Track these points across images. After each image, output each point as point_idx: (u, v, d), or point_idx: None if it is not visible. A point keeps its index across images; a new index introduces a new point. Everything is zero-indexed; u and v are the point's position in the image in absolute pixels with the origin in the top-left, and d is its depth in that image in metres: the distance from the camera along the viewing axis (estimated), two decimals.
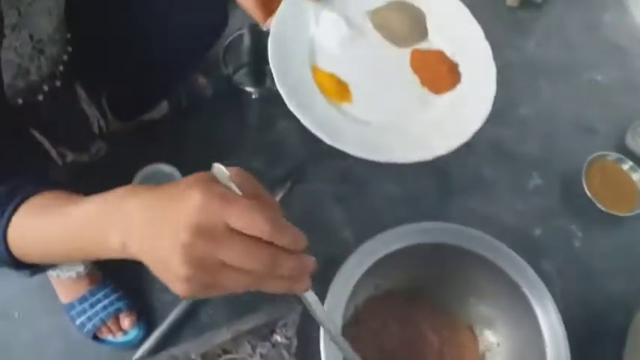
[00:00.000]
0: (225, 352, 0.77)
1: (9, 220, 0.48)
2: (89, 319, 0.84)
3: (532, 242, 1.02)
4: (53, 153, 0.76)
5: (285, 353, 0.77)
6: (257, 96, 0.95)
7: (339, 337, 0.47)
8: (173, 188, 0.39)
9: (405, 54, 0.64)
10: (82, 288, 0.84)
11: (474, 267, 0.64)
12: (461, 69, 0.64)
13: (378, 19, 0.65)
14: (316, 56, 0.62)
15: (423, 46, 0.65)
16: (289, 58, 0.59)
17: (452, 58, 0.65)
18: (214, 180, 0.39)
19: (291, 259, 0.38)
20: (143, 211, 0.39)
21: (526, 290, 0.60)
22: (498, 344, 0.67)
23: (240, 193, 0.38)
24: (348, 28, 0.64)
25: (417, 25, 0.66)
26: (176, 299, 0.89)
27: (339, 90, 0.60)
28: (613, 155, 1.07)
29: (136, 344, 0.84)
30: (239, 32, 1.02)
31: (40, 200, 0.49)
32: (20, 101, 0.66)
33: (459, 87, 0.63)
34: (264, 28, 0.62)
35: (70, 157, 0.80)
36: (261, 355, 0.77)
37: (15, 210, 0.48)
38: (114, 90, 0.83)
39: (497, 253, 0.62)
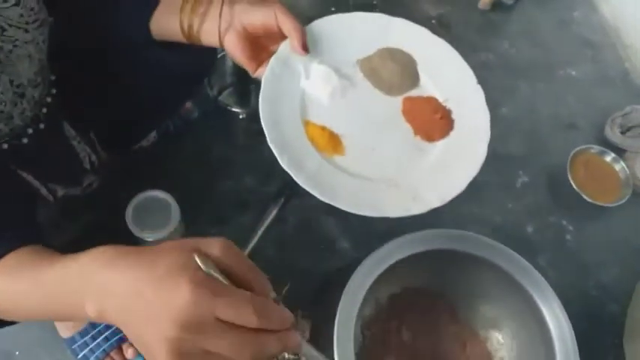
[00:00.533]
0: None
1: None
2: (92, 351, 0.83)
3: (525, 239, 1.04)
4: (43, 191, 0.76)
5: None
6: (244, 116, 0.96)
7: None
8: (157, 267, 0.38)
9: (396, 102, 0.64)
10: (82, 321, 0.83)
11: (479, 271, 0.65)
12: (454, 115, 0.63)
13: (369, 67, 0.65)
14: (307, 110, 0.61)
15: (414, 93, 0.65)
16: (280, 113, 0.59)
17: (444, 104, 0.64)
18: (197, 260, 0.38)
19: (276, 341, 0.38)
20: (123, 284, 0.38)
21: (530, 290, 0.60)
22: (506, 345, 0.67)
23: (226, 282, 0.38)
24: (338, 78, 0.63)
25: (407, 72, 0.65)
26: None
27: (331, 143, 0.59)
28: (595, 148, 1.10)
29: None
30: (222, 54, 1.02)
31: (15, 259, 0.49)
32: (5, 146, 0.66)
33: (452, 134, 0.62)
34: (254, 76, 0.63)
35: (61, 192, 0.79)
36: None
37: None
38: (102, 127, 0.83)
39: (501, 255, 0.63)
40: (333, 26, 0.66)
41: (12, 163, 0.66)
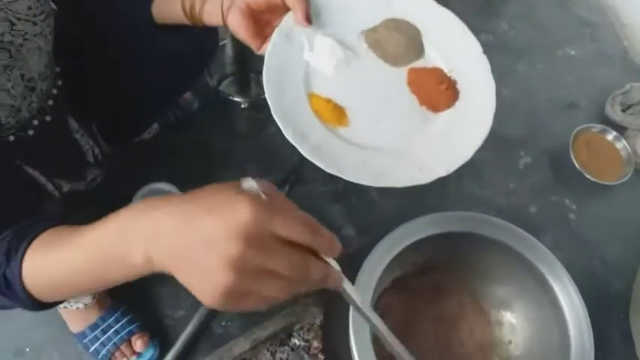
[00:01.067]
0: None
1: (21, 265, 0.47)
2: (102, 345, 0.83)
3: (529, 219, 1.04)
4: (49, 186, 0.75)
5: (305, 355, 0.78)
6: (246, 105, 0.95)
7: (377, 320, 0.47)
8: (209, 200, 0.39)
9: (401, 73, 0.63)
10: (93, 316, 0.83)
11: (491, 252, 0.65)
12: (459, 86, 0.63)
13: (373, 38, 0.64)
14: (312, 82, 0.60)
15: (419, 64, 0.64)
16: (284, 87, 0.58)
17: (450, 74, 0.63)
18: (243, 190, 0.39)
19: (321, 268, 0.39)
20: (171, 221, 0.38)
21: (544, 270, 0.61)
22: (518, 326, 0.68)
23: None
24: (342, 50, 0.62)
25: (412, 44, 0.65)
26: (188, 315, 0.89)
27: (336, 115, 0.59)
28: (597, 127, 1.10)
29: None
30: (222, 43, 1.02)
31: (48, 237, 0.48)
32: (12, 138, 0.65)
33: (457, 104, 0.62)
34: (259, 53, 0.62)
35: (66, 187, 0.79)
36: None
37: (25, 250, 0.47)
38: (105, 118, 0.82)
39: (513, 236, 0.63)
40: None
41: (18, 157, 0.66)
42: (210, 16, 0.64)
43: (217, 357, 0.76)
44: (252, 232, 0.36)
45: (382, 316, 0.61)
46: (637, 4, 1.29)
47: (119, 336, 0.83)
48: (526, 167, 1.10)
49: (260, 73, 1.11)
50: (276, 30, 0.60)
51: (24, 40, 0.57)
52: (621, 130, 1.13)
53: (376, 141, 0.58)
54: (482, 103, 0.61)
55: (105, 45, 0.72)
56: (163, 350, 0.85)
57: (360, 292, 0.58)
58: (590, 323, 0.57)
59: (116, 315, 0.84)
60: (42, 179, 0.73)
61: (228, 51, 1.04)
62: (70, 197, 0.82)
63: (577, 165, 1.05)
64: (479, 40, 0.65)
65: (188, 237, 0.37)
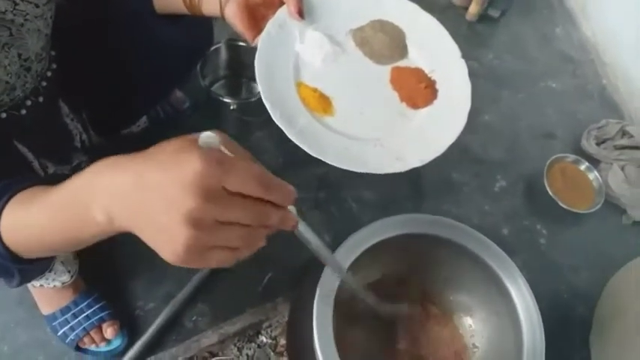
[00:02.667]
0: (212, 354, 0.78)
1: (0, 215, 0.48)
2: (72, 329, 0.83)
3: (500, 241, 1.04)
4: (36, 164, 0.77)
5: (271, 353, 0.79)
6: (235, 107, 0.98)
7: (340, 266, 0.50)
8: (160, 154, 0.39)
9: (385, 71, 0.68)
10: (66, 298, 0.84)
11: (451, 255, 0.67)
12: (438, 86, 0.68)
13: (360, 37, 0.69)
14: (301, 72, 0.65)
15: (402, 63, 0.69)
16: (275, 73, 0.62)
17: (430, 75, 0.68)
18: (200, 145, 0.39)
19: (276, 213, 0.41)
20: (128, 178, 0.38)
21: (500, 272, 0.64)
22: (475, 330, 0.70)
23: (232, 156, 0.39)
24: (331, 45, 0.67)
25: (397, 44, 0.69)
26: (158, 308, 0.89)
27: (322, 104, 0.63)
28: (571, 157, 1.14)
29: (119, 353, 0.84)
30: (216, 46, 1.05)
31: (29, 193, 0.49)
32: (4, 115, 0.67)
33: (435, 103, 0.67)
34: (253, 45, 0.65)
35: (51, 168, 0.80)
36: (248, 356, 0.79)
37: (4, 205, 0.48)
38: (96, 105, 0.84)
39: (473, 240, 0.66)
40: None
41: (9, 132, 0.67)
42: (209, 6, 0.67)
43: (185, 348, 0.77)
44: (205, 186, 0.36)
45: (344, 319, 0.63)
46: (617, 45, 1.35)
47: (90, 321, 0.84)
48: (501, 190, 1.14)
49: (252, 79, 1.14)
50: (271, 20, 0.65)
51: (25, 20, 0.59)
52: (595, 162, 1.18)
53: (359, 131, 0.62)
54: (458, 103, 0.66)
55: (101, 32, 0.74)
56: (132, 340, 0.86)
57: (320, 301, 0.60)
58: (542, 327, 0.60)
59: (89, 300, 0.85)
60: (30, 156, 0.75)
61: (222, 55, 1.07)
62: (54, 179, 0.83)
63: (550, 192, 1.09)
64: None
65: (144, 195, 0.38)
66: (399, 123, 0.65)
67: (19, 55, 0.61)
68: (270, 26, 0.64)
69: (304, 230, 0.48)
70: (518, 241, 1.08)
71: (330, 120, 0.62)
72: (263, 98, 0.59)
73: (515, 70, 1.33)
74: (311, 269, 0.76)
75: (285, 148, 1.08)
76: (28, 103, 0.68)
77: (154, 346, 0.85)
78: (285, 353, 0.77)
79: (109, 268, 0.92)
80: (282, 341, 0.78)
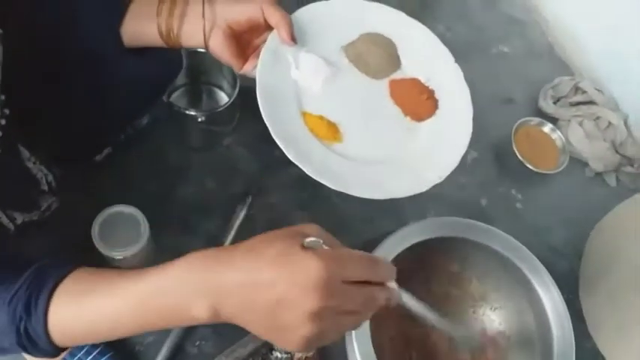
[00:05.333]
0: None
1: (46, 318, 0.45)
2: None
3: (481, 211, 1.10)
4: (3, 219, 0.71)
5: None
6: (204, 119, 0.93)
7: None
8: (267, 250, 0.40)
9: (383, 85, 0.66)
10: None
11: (472, 253, 0.68)
12: (437, 94, 0.66)
13: (353, 53, 0.66)
14: (303, 100, 0.62)
15: (397, 75, 0.67)
16: (279, 107, 0.59)
17: (427, 84, 0.67)
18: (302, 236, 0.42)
19: (384, 291, 0.44)
20: (236, 277, 0.40)
21: (522, 266, 0.65)
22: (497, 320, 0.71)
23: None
24: (327, 66, 0.64)
25: (389, 56, 0.67)
26: (158, 339, 0.86)
27: (329, 131, 0.61)
28: (534, 120, 1.18)
29: None
30: None
31: (75, 282, 0.47)
32: None
33: (438, 113, 0.65)
34: (240, 73, 0.64)
35: (19, 219, 0.74)
36: None
37: (48, 304, 0.46)
38: (58, 143, 0.78)
39: (492, 237, 0.67)
40: (315, 14, 0.66)
41: None
42: (190, 38, 0.63)
43: None
44: (327, 285, 0.39)
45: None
46: (558, 2, 1.39)
47: None
48: (474, 162, 1.16)
49: (213, 85, 1.09)
50: (263, 49, 0.61)
51: None
52: (554, 121, 1.22)
53: (370, 154, 0.60)
54: (460, 109, 0.66)
55: (58, 69, 0.68)
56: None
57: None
58: (568, 312, 0.62)
59: (86, 347, 0.80)
60: None
61: None
62: (24, 228, 0.77)
63: (520, 156, 1.12)
64: None
65: (259, 295, 0.39)
66: (407, 139, 0.63)
67: None
68: (263, 56, 0.61)
69: (408, 300, 0.48)
70: (497, 209, 1.11)
71: (340, 147, 0.60)
72: (274, 136, 0.56)
73: (467, 39, 1.35)
74: None
75: (258, 153, 1.05)
76: None
77: None
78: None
79: None
80: (298, 355, 0.77)
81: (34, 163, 0.74)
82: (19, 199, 0.74)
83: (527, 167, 1.11)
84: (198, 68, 1.02)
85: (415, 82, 0.66)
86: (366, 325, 0.56)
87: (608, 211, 1.08)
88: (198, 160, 1.03)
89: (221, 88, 1.07)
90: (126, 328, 0.45)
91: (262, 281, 0.39)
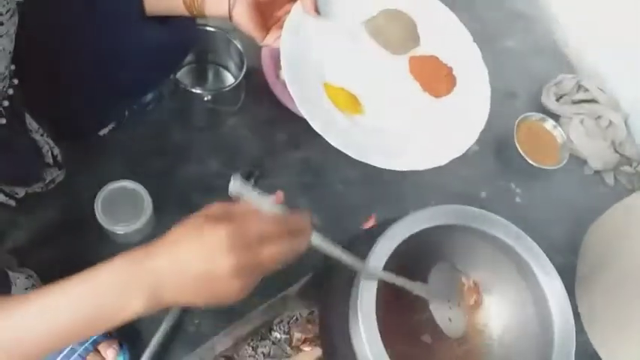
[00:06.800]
0: (228, 358, 0.77)
1: None
2: (66, 358, 0.78)
3: (480, 204, 1.10)
4: (1, 197, 0.70)
5: (287, 347, 0.79)
6: (209, 98, 0.93)
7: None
8: (181, 236, 0.45)
9: (403, 61, 0.67)
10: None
11: (472, 241, 0.68)
12: (455, 72, 0.68)
13: (374, 28, 0.67)
14: (325, 72, 0.63)
15: (417, 52, 0.68)
16: (302, 77, 0.60)
17: (445, 62, 0.68)
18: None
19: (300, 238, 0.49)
20: (166, 268, 0.43)
21: (526, 257, 0.65)
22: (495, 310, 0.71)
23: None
24: (348, 39, 0.65)
25: (410, 33, 0.69)
26: (157, 317, 0.86)
27: (351, 103, 0.62)
28: (537, 115, 1.19)
29: None
30: None
31: None
32: None
33: (455, 90, 0.67)
34: (262, 45, 0.64)
35: (21, 192, 0.74)
36: (264, 354, 0.78)
37: None
38: (66, 114, 0.77)
39: (492, 224, 0.67)
40: None
41: None
42: (214, 7, 0.63)
43: (199, 357, 0.74)
44: (233, 244, 0.42)
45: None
46: None
47: (83, 346, 0.79)
48: (475, 155, 1.17)
49: (217, 64, 1.08)
50: (287, 20, 0.62)
51: None
52: (555, 117, 1.23)
53: (390, 126, 0.62)
54: (477, 88, 0.67)
55: (72, 36, 0.67)
56: (136, 354, 0.82)
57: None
58: (569, 303, 0.62)
59: None
60: None
61: None
62: (26, 201, 0.76)
63: (520, 151, 1.13)
64: None
65: (187, 274, 0.43)
66: (426, 114, 0.65)
67: None
68: (287, 27, 0.62)
69: (320, 242, 0.52)
70: (497, 202, 1.12)
71: (361, 119, 0.61)
72: (299, 105, 0.57)
73: (472, 33, 1.34)
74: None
75: (262, 135, 1.05)
76: None
77: (161, 357, 0.82)
78: (302, 347, 0.77)
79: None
80: (297, 335, 0.77)
81: (41, 135, 0.74)
82: (23, 172, 0.73)
83: (527, 162, 1.12)
84: (206, 47, 1.01)
85: (434, 60, 0.68)
86: (372, 309, 0.56)
87: (605, 208, 1.09)
88: (202, 139, 1.02)
89: (227, 69, 1.06)
90: (61, 339, 0.45)
91: (184, 260, 0.43)
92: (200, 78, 1.06)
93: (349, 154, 0.57)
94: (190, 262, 0.43)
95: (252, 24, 0.62)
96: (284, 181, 1.02)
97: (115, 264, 0.44)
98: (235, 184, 0.47)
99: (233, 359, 0.77)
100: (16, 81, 0.64)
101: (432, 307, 0.61)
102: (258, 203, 0.48)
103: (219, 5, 0.63)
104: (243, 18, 0.62)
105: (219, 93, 0.95)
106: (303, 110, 0.57)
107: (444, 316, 0.63)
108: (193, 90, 0.92)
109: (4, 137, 0.64)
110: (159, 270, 0.43)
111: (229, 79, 1.06)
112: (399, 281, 0.55)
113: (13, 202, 0.72)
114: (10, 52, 0.57)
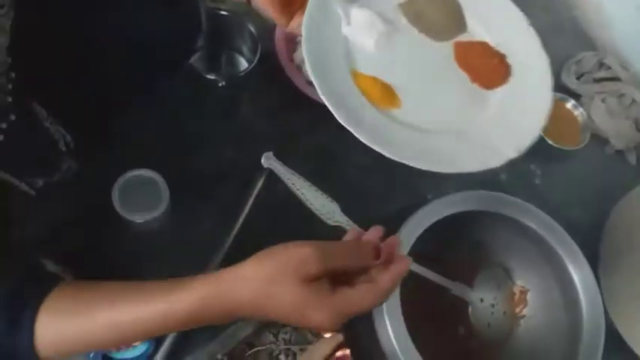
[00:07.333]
0: (250, 346, 0.77)
1: (33, 334, 0.46)
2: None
3: (500, 186, 1.09)
4: (23, 186, 0.70)
5: (307, 333, 0.78)
6: (224, 83, 0.91)
7: None
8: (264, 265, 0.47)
9: (446, 48, 0.59)
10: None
11: (500, 228, 0.66)
12: (509, 60, 0.60)
13: (412, 11, 0.60)
14: (354, 59, 0.56)
15: (463, 38, 0.60)
16: (327, 65, 0.54)
17: (497, 48, 0.60)
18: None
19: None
20: (250, 302, 0.46)
21: (553, 244, 0.63)
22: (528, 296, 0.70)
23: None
24: (382, 23, 0.58)
25: (454, 16, 0.61)
26: None
27: (385, 95, 0.55)
28: (557, 95, 1.16)
29: (148, 356, 0.81)
30: None
31: (68, 299, 0.49)
32: None
33: (511, 80, 0.59)
34: (286, 31, 0.60)
35: (40, 182, 0.73)
36: (285, 341, 0.78)
37: (34, 321, 0.46)
38: (71, 105, 0.76)
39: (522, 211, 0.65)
40: None
41: None
42: None
43: (221, 344, 0.75)
44: (337, 321, 0.45)
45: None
46: None
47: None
48: None
49: (232, 49, 1.07)
50: (311, 2, 0.57)
51: None
52: (576, 97, 1.20)
53: (433, 123, 0.55)
54: (537, 77, 0.60)
55: (73, 21, 0.66)
56: (158, 342, 0.83)
57: None
58: (598, 289, 0.61)
59: None
60: (14, 181, 0.68)
61: None
62: (44, 191, 0.76)
63: (541, 132, 1.10)
64: None
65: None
66: (475, 108, 0.57)
67: None
68: (310, 9, 0.57)
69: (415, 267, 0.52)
70: (516, 185, 1.10)
71: (397, 113, 0.54)
72: (322, 95, 0.52)
73: None
74: None
75: (277, 121, 1.04)
76: (3, 125, 0.61)
77: (183, 344, 0.82)
78: (323, 333, 0.76)
79: (120, 268, 0.87)
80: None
81: (51, 123, 0.73)
82: (39, 162, 0.73)
83: (547, 143, 1.10)
84: (219, 31, 0.99)
85: (484, 46, 0.60)
86: (397, 303, 0.55)
87: (627, 189, 1.07)
88: (216, 125, 1.01)
89: (241, 53, 1.04)
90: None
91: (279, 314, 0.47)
92: (213, 63, 1.05)
93: (384, 154, 0.52)
94: (287, 316, 0.46)
95: (274, 7, 0.58)
96: (299, 168, 1.01)
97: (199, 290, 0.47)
98: (268, 159, 0.45)
99: (254, 346, 0.77)
100: (13, 74, 0.63)
101: (470, 312, 0.59)
102: (288, 179, 0.47)
103: None
104: (265, 2, 0.58)
105: (233, 78, 0.93)
106: (328, 101, 0.52)
107: (484, 321, 0.61)
108: (207, 76, 0.90)
109: (17, 131, 0.63)
110: (240, 304, 0.46)
111: (243, 64, 1.05)
112: (441, 280, 0.52)
113: (33, 192, 0.72)
114: (6, 48, 0.56)
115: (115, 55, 0.68)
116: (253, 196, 0.94)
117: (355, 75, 0.56)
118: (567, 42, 1.30)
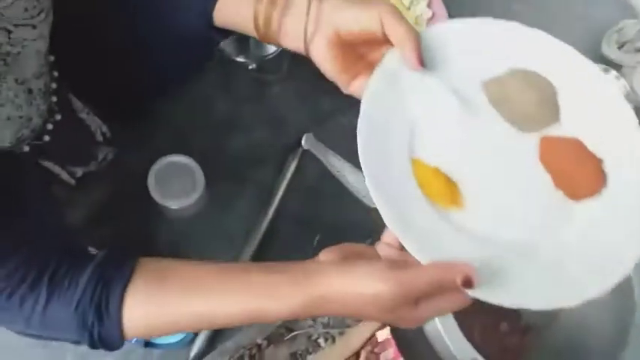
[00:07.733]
0: (288, 329, 0.77)
1: (121, 321, 0.47)
2: None
3: None
4: (64, 175, 0.71)
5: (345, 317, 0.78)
6: (254, 66, 0.90)
7: None
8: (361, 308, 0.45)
9: (531, 141, 0.49)
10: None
11: None
12: (606, 167, 0.49)
13: (498, 92, 0.51)
14: (416, 144, 0.47)
15: (553, 131, 0.50)
16: (384, 147, 0.46)
17: (593, 150, 0.50)
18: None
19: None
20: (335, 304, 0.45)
21: None
22: None
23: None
24: (459, 103, 0.49)
25: (546, 103, 0.51)
26: None
27: (447, 191, 0.46)
28: (600, 67, 1.11)
29: (188, 342, 0.82)
30: None
31: (152, 281, 0.48)
32: (27, 148, 0.60)
33: (605, 192, 0.48)
34: (347, 92, 0.53)
35: (79, 172, 0.75)
36: (323, 324, 0.78)
37: (121, 307, 0.47)
38: (106, 96, 0.76)
39: None
40: (449, 34, 0.52)
41: (33, 157, 0.62)
42: (288, 38, 0.54)
43: (260, 329, 0.75)
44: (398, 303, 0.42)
45: None
46: None
47: None
48: None
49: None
50: (377, 70, 0.49)
51: (22, 47, 0.50)
52: (617, 67, 1.15)
53: (498, 233, 0.45)
54: (636, 194, 0.47)
55: (111, 24, 0.66)
56: None
57: None
58: None
59: None
60: (56, 169, 0.70)
61: None
62: (82, 180, 0.77)
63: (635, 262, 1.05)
64: None
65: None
66: (556, 221, 0.47)
67: (16, 80, 0.52)
68: (375, 78, 0.48)
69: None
70: None
71: (457, 216, 0.45)
72: (370, 187, 0.43)
73: None
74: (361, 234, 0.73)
75: (308, 103, 1.02)
76: (50, 127, 0.62)
77: (223, 329, 0.83)
78: None
79: (156, 254, 0.88)
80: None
81: (88, 114, 0.74)
82: (77, 152, 0.74)
83: None
84: None
85: (577, 145, 0.50)
86: None
87: None
88: (248, 109, 1.00)
89: None
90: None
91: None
92: (241, 46, 1.03)
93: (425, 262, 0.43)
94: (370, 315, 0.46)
95: (334, 66, 0.51)
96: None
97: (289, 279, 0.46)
98: (309, 140, 0.42)
99: (293, 330, 0.77)
100: (56, 73, 0.63)
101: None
102: (328, 161, 0.44)
103: (295, 35, 0.52)
104: (322, 57, 0.51)
105: (263, 61, 0.92)
106: (375, 194, 0.43)
107: None
108: (237, 59, 0.89)
109: (61, 128, 0.64)
110: (328, 304, 0.45)
111: (271, 46, 1.03)
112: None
113: (73, 181, 0.73)
114: (46, 50, 0.56)
115: (153, 49, 0.68)
116: (287, 179, 0.94)
117: (415, 164, 0.47)
118: (608, 9, 1.25)
